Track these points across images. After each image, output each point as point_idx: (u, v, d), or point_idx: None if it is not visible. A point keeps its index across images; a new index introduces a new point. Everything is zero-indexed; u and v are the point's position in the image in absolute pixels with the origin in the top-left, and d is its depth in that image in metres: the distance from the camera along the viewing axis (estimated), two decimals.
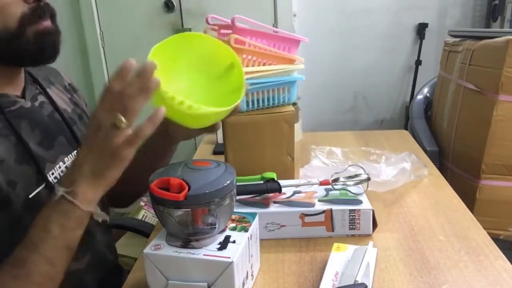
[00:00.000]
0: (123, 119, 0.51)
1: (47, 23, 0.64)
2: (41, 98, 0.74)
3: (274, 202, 0.79)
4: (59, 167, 0.69)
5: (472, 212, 0.85)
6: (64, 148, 0.73)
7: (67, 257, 0.56)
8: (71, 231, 0.55)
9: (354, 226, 0.77)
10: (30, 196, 0.62)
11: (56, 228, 0.53)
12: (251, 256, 0.64)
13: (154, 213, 0.65)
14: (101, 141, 0.52)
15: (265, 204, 0.79)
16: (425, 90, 2.13)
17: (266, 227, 0.77)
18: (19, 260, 0.54)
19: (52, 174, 0.68)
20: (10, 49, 0.62)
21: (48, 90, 0.77)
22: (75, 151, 0.75)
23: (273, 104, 0.94)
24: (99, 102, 0.53)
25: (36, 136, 0.68)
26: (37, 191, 0.63)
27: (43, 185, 0.64)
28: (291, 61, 0.97)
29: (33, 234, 0.54)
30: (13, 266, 0.54)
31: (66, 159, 0.72)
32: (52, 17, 0.66)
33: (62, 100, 0.79)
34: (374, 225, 0.77)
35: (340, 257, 0.67)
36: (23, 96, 0.69)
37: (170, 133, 0.76)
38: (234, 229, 0.63)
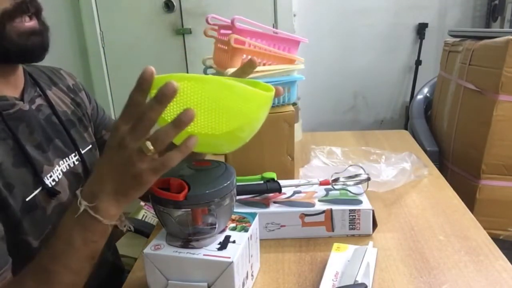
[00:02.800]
0: (151, 147, 0.49)
1: (31, 23, 0.63)
2: (39, 100, 0.73)
3: (274, 202, 0.79)
4: (56, 170, 0.69)
5: (472, 212, 0.85)
6: (60, 152, 0.72)
7: (90, 266, 0.56)
8: (94, 243, 0.55)
9: (354, 226, 0.77)
10: (27, 199, 0.62)
11: (79, 241, 0.53)
12: (251, 256, 0.64)
13: (154, 213, 0.65)
14: (125, 161, 0.51)
15: (265, 204, 0.79)
16: (425, 90, 2.13)
17: (266, 227, 0.77)
18: (42, 270, 0.54)
19: (50, 177, 0.67)
20: None
21: (48, 91, 0.76)
22: (72, 154, 0.74)
23: (273, 104, 0.94)
24: (127, 116, 0.50)
25: (34, 139, 0.68)
26: (33, 194, 0.63)
27: (39, 189, 0.64)
28: (291, 61, 0.97)
29: (56, 246, 0.54)
30: (36, 276, 0.54)
31: (61, 162, 0.71)
32: (37, 13, 0.65)
33: (62, 102, 0.79)
34: (374, 225, 0.77)
35: (340, 257, 0.67)
36: (21, 98, 0.69)
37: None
38: (234, 229, 0.63)
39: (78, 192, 0.54)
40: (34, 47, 0.64)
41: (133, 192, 0.53)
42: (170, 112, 0.51)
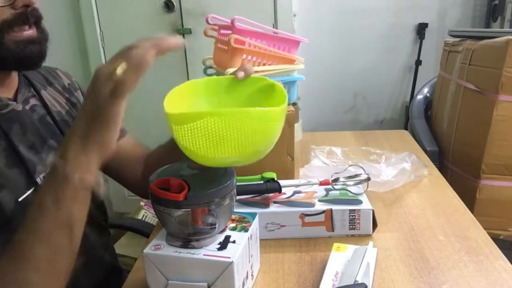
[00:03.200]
0: (124, 65, 0.48)
1: (30, 32, 0.63)
2: (33, 101, 0.73)
3: (274, 202, 0.79)
4: None
5: (472, 212, 0.85)
6: (55, 152, 0.72)
7: (66, 237, 0.52)
8: (65, 204, 0.51)
9: (354, 226, 0.77)
10: (20, 199, 0.62)
11: (49, 201, 0.50)
12: (251, 256, 0.64)
13: (154, 213, 0.65)
14: (92, 97, 0.49)
15: (265, 204, 0.79)
16: (425, 90, 2.13)
17: (266, 227, 0.77)
18: (15, 244, 0.51)
19: (43, 177, 0.67)
20: None
21: (42, 92, 0.76)
22: None
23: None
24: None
25: (27, 139, 0.67)
26: (26, 194, 0.63)
27: (32, 189, 0.64)
28: (291, 61, 0.97)
29: (29, 213, 0.52)
30: (10, 251, 0.51)
31: None
32: (37, 22, 0.65)
33: (57, 102, 0.79)
34: (374, 225, 0.77)
35: (340, 257, 0.67)
36: (15, 99, 0.69)
37: None
38: (234, 229, 0.63)
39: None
40: (32, 55, 0.64)
41: (100, 134, 0.50)
42: (197, 144, 0.53)
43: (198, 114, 0.52)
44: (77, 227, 0.53)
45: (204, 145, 0.53)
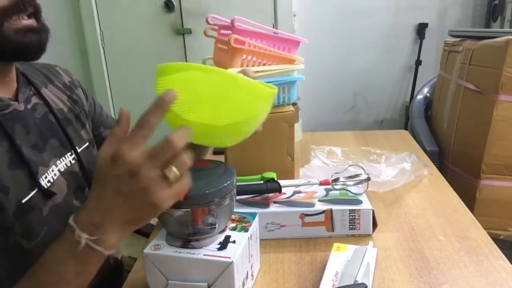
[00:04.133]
0: (177, 172, 0.47)
1: (29, 21, 0.63)
2: (34, 99, 0.73)
3: (274, 202, 0.79)
4: (52, 171, 0.69)
5: (472, 212, 0.85)
6: (57, 151, 0.72)
7: None
8: (88, 274, 0.51)
9: (354, 226, 0.77)
10: (23, 201, 0.62)
11: (71, 274, 0.49)
12: (251, 256, 0.64)
13: None
14: (141, 191, 0.46)
15: (265, 204, 0.79)
16: (425, 90, 2.13)
17: (266, 227, 0.77)
18: None
19: (45, 178, 0.67)
20: None
21: (43, 89, 0.76)
22: (69, 153, 0.74)
23: (273, 104, 0.94)
24: (129, 140, 0.47)
25: (30, 139, 0.67)
26: (29, 196, 0.63)
27: (35, 190, 0.64)
28: (291, 61, 0.97)
29: (43, 276, 0.51)
30: None
31: (58, 162, 0.71)
32: (36, 13, 0.64)
33: (58, 99, 0.78)
34: (374, 225, 0.77)
35: (340, 257, 0.67)
36: (16, 98, 0.69)
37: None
38: (234, 229, 0.63)
39: (71, 222, 0.49)
40: (31, 44, 0.63)
41: (146, 220, 0.50)
42: (181, 101, 0.50)
43: (186, 66, 0.50)
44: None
45: (181, 101, 0.50)
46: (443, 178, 1.02)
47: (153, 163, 0.46)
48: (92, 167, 0.79)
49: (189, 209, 0.57)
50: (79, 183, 0.74)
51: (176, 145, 0.47)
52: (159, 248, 0.59)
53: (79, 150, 0.76)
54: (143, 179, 0.46)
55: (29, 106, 0.70)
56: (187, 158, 0.48)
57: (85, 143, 0.80)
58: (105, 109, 0.93)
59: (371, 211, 0.76)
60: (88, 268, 0.50)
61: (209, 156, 1.27)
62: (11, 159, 0.62)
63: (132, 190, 0.46)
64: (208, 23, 1.02)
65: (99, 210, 0.48)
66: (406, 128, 2.27)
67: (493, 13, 2.24)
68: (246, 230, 0.62)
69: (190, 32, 2.24)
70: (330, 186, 0.82)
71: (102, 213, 0.48)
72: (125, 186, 0.46)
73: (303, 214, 0.76)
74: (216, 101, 0.51)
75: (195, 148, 0.70)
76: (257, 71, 0.88)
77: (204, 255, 0.57)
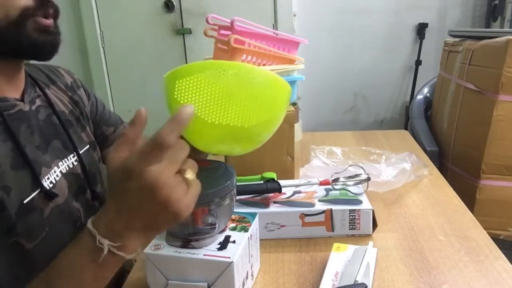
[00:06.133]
0: (193, 176, 0.46)
1: (50, 21, 0.65)
2: (39, 101, 0.73)
3: (274, 202, 0.79)
4: (54, 172, 0.69)
5: (472, 212, 0.85)
6: (59, 153, 0.72)
7: None
8: (106, 279, 0.51)
9: (354, 226, 0.77)
10: (25, 201, 0.62)
11: (90, 279, 0.49)
12: (251, 256, 0.64)
13: None
14: (164, 200, 0.45)
15: (265, 204, 0.79)
16: (425, 90, 2.13)
17: (266, 227, 0.77)
18: None
19: (48, 179, 0.67)
20: (9, 38, 0.61)
21: (47, 91, 0.76)
22: (71, 155, 0.74)
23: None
24: (145, 157, 0.44)
25: (34, 140, 0.67)
26: (31, 196, 0.63)
27: (37, 191, 0.64)
28: (291, 61, 0.97)
29: (60, 281, 0.50)
30: None
31: (61, 163, 0.71)
32: (55, 15, 0.66)
33: (60, 101, 0.79)
34: (374, 225, 0.77)
35: (340, 257, 0.67)
36: (22, 99, 0.69)
37: None
38: (234, 229, 0.63)
39: (91, 227, 0.48)
40: (45, 44, 0.65)
41: (170, 225, 0.49)
42: (200, 102, 0.48)
43: (209, 64, 0.47)
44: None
45: (204, 104, 0.47)
46: (443, 178, 1.02)
47: (171, 170, 0.45)
48: (94, 169, 0.80)
49: None
50: (80, 185, 0.74)
51: (186, 146, 0.46)
52: (159, 248, 0.59)
53: (80, 152, 0.76)
54: (165, 191, 0.45)
55: (33, 107, 0.71)
56: (184, 153, 0.47)
57: (86, 145, 0.80)
58: (107, 107, 0.94)
59: (371, 211, 0.76)
60: (107, 272, 0.50)
61: (209, 156, 1.27)
62: (15, 159, 0.62)
63: (153, 202, 0.45)
64: (208, 23, 1.01)
65: (120, 218, 0.47)
66: (406, 128, 2.27)
67: (493, 13, 2.24)
68: (246, 230, 0.62)
69: (190, 32, 2.24)
70: (330, 186, 0.82)
71: (124, 222, 0.47)
72: (146, 200, 0.45)
73: (303, 214, 0.76)
74: (241, 100, 0.49)
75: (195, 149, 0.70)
76: None
77: (204, 255, 0.57)
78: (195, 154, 0.68)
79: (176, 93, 0.49)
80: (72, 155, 0.74)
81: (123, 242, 0.48)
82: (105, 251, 0.47)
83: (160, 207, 0.46)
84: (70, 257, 0.50)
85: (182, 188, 0.46)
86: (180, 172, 0.46)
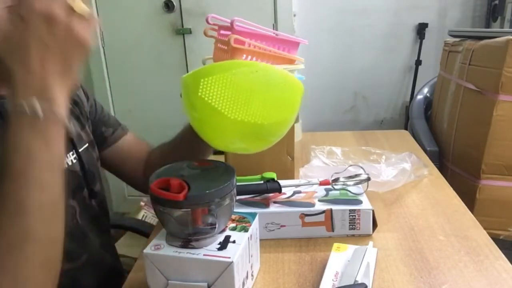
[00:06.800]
0: (82, 5, 0.48)
1: None
2: None
3: (274, 202, 0.79)
4: None
5: (472, 212, 0.85)
6: None
7: (59, 180, 0.51)
8: (56, 146, 0.50)
9: (354, 226, 0.77)
10: None
11: (38, 146, 0.48)
12: (251, 256, 0.64)
13: (154, 213, 0.65)
14: (66, 32, 0.47)
15: (265, 204, 0.79)
16: (425, 90, 2.13)
17: (266, 227, 0.77)
18: (7, 198, 0.48)
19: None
20: None
21: None
22: (70, 153, 0.74)
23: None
24: None
25: None
26: None
27: None
28: (291, 61, 0.97)
29: (14, 161, 0.48)
30: (2, 202, 0.48)
31: None
32: None
33: None
34: (374, 225, 0.77)
35: (340, 257, 0.67)
36: None
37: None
38: (234, 229, 0.63)
39: (16, 104, 0.47)
40: None
41: (77, 63, 0.50)
42: (229, 100, 0.51)
43: (236, 64, 0.53)
44: (63, 165, 0.52)
45: (231, 101, 0.51)
46: (443, 178, 1.02)
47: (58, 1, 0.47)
48: (92, 168, 0.80)
49: (189, 209, 0.57)
50: (78, 183, 0.75)
51: None
52: (159, 248, 0.59)
53: (79, 150, 0.76)
54: (61, 20, 0.46)
55: None
56: None
57: (85, 143, 0.80)
58: (106, 109, 0.94)
59: (371, 211, 0.76)
60: (51, 135, 0.49)
61: (209, 156, 1.27)
62: None
63: (53, 34, 0.47)
64: (208, 23, 1.01)
65: (32, 70, 0.48)
66: (406, 128, 2.27)
67: (493, 13, 2.24)
68: (246, 230, 0.62)
69: (190, 32, 2.24)
70: (330, 186, 0.82)
71: (38, 71, 0.47)
72: (48, 35, 0.47)
73: (303, 214, 0.76)
74: (263, 98, 0.52)
75: (201, 144, 0.71)
76: None
77: (204, 255, 0.57)
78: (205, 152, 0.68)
79: (200, 90, 0.52)
80: (71, 152, 0.75)
81: (49, 94, 0.48)
82: (40, 113, 0.47)
83: (61, 36, 0.47)
84: (16, 130, 0.49)
85: (75, 16, 0.48)
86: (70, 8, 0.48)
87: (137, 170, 0.91)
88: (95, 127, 0.87)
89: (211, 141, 0.57)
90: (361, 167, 0.86)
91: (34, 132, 0.48)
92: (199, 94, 0.52)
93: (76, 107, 0.82)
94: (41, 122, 0.48)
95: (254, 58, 0.93)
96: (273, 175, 0.82)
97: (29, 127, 0.48)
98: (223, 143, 0.57)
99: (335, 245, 0.70)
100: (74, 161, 0.75)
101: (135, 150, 0.92)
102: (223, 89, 0.51)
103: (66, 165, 0.72)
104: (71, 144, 0.75)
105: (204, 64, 1.06)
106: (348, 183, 0.82)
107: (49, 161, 0.49)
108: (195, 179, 0.58)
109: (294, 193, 0.83)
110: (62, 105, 0.49)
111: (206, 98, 0.52)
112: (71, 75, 0.50)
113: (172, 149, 0.88)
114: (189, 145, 0.83)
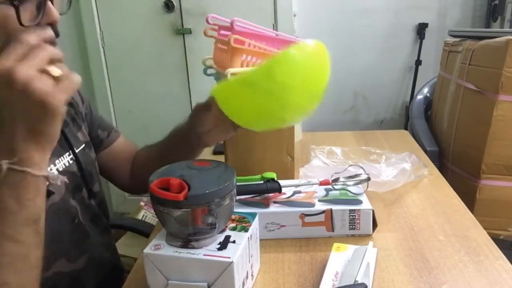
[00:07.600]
0: (58, 70, 0.48)
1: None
2: None
3: (274, 202, 0.79)
4: (50, 170, 0.69)
5: (472, 212, 0.85)
6: (55, 151, 0.71)
7: (34, 232, 0.51)
8: (30, 201, 0.50)
9: (354, 226, 0.77)
10: None
11: (13, 203, 0.49)
12: (251, 256, 0.64)
13: (154, 213, 0.65)
14: (21, 94, 0.46)
15: (265, 204, 0.79)
16: (425, 90, 2.13)
17: (266, 227, 0.77)
18: None
19: None
20: None
21: None
22: (67, 153, 0.74)
23: None
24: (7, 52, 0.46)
25: None
26: None
27: None
28: None
29: None
30: None
31: (57, 161, 0.71)
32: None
33: None
34: (374, 225, 0.77)
35: (340, 257, 0.67)
36: None
37: (200, 136, 0.80)
38: (234, 229, 0.63)
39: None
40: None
41: (48, 125, 0.49)
42: (296, 77, 0.62)
43: (305, 46, 0.63)
44: (42, 218, 0.53)
45: (299, 86, 0.64)
46: (443, 178, 1.02)
47: (29, 65, 0.46)
48: (90, 168, 0.80)
49: (189, 209, 0.57)
50: (76, 183, 0.75)
51: (48, 47, 0.48)
52: (159, 248, 0.59)
53: (76, 151, 0.76)
54: (20, 80, 0.45)
55: None
56: (59, 55, 0.49)
57: (82, 144, 0.80)
58: (106, 112, 0.95)
59: (371, 211, 0.76)
60: (27, 193, 0.50)
61: (209, 156, 1.27)
62: None
63: (12, 96, 0.46)
64: (208, 23, 1.01)
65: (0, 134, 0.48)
66: (406, 128, 2.27)
67: (493, 13, 2.24)
68: (246, 230, 0.62)
69: (190, 32, 2.24)
70: (330, 186, 0.82)
71: (6, 134, 0.48)
72: (11, 97, 0.46)
73: (303, 214, 0.76)
74: (320, 69, 0.68)
75: (192, 144, 0.71)
76: None
77: (204, 255, 0.57)
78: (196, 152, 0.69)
79: (277, 75, 0.60)
80: (68, 153, 0.75)
81: (19, 154, 0.48)
82: (4, 169, 0.47)
83: (29, 102, 0.46)
84: None
85: (46, 80, 0.47)
86: (45, 71, 0.47)
87: (124, 172, 0.95)
88: (90, 129, 0.87)
89: (238, 117, 0.66)
90: (361, 167, 0.86)
91: (8, 190, 0.49)
92: (275, 76, 0.59)
93: (71, 107, 0.82)
94: (15, 181, 0.48)
95: (254, 58, 0.94)
96: (273, 175, 0.82)
97: (1, 185, 0.49)
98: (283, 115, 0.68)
99: (335, 245, 0.70)
100: (71, 161, 0.75)
101: (124, 152, 0.95)
102: (297, 67, 0.62)
103: (64, 166, 0.73)
104: (68, 145, 0.75)
105: (204, 64, 1.06)
106: (348, 183, 0.82)
107: (23, 217, 0.50)
108: (195, 179, 0.58)
109: (294, 193, 0.83)
110: (38, 164, 0.49)
111: (279, 78, 0.60)
112: (43, 138, 0.50)
113: (160, 149, 0.89)
114: (179, 145, 0.84)
